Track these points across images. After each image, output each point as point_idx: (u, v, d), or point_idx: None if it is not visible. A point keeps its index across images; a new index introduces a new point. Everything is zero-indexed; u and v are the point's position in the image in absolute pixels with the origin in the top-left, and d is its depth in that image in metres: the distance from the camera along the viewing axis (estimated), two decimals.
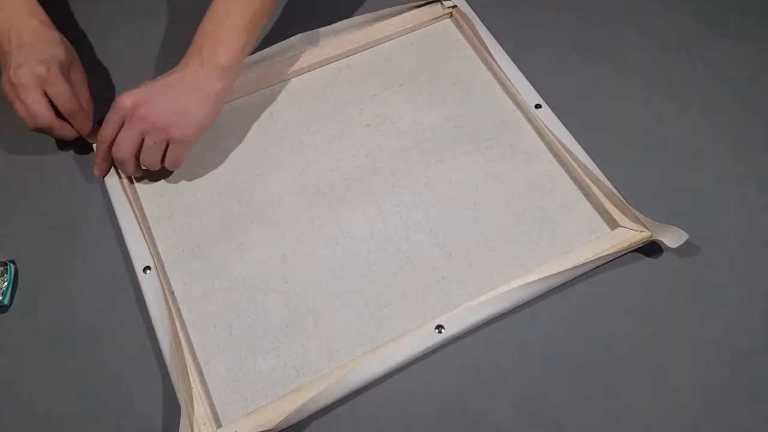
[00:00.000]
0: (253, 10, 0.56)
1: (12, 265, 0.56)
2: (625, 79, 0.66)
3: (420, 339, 0.51)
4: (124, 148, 0.56)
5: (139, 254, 0.56)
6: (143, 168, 0.59)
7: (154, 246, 0.57)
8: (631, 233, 0.54)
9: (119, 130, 0.56)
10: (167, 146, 0.56)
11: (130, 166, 0.58)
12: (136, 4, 0.75)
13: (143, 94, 0.55)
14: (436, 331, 0.51)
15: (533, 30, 0.70)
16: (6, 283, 0.55)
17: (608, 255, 0.54)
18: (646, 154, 0.61)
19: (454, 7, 0.71)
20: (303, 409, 0.48)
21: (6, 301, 0.55)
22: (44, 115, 0.56)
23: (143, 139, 0.56)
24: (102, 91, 0.67)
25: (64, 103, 0.57)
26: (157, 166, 0.58)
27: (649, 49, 0.68)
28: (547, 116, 0.62)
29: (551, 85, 0.64)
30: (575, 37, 0.70)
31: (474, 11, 0.70)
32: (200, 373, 0.51)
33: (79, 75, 0.61)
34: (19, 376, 0.52)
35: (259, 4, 0.57)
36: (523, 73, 0.65)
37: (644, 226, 0.54)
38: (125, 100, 0.55)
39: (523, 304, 0.53)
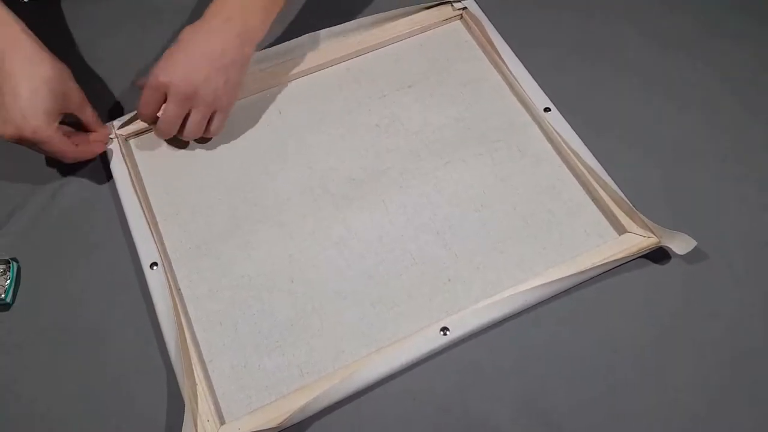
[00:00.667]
0: None
1: (15, 263, 0.56)
2: (626, 80, 0.66)
3: (425, 341, 0.51)
4: (171, 126, 0.57)
5: (147, 250, 0.56)
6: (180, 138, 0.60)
7: (162, 242, 0.57)
8: (638, 239, 0.54)
9: (159, 107, 0.57)
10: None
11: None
12: (138, 4, 0.75)
13: (184, 70, 0.55)
14: (441, 333, 0.51)
15: (537, 30, 0.70)
16: (9, 281, 0.55)
17: (616, 260, 0.54)
18: (646, 155, 0.61)
19: (465, 8, 0.71)
20: (306, 408, 0.48)
21: (9, 299, 0.55)
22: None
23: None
24: (102, 90, 0.67)
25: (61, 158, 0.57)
26: (198, 135, 0.60)
27: (649, 49, 0.68)
28: (556, 119, 0.62)
29: (555, 86, 0.64)
30: (577, 37, 0.69)
31: (483, 12, 0.70)
32: (205, 370, 0.51)
33: (75, 100, 0.57)
34: (21, 376, 0.52)
35: None
36: (531, 74, 0.65)
37: (652, 232, 0.54)
38: (164, 79, 0.54)
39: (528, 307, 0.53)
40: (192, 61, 0.55)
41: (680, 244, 0.53)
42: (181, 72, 0.55)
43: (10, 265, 0.56)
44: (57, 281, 0.56)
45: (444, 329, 0.51)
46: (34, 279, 0.57)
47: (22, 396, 0.51)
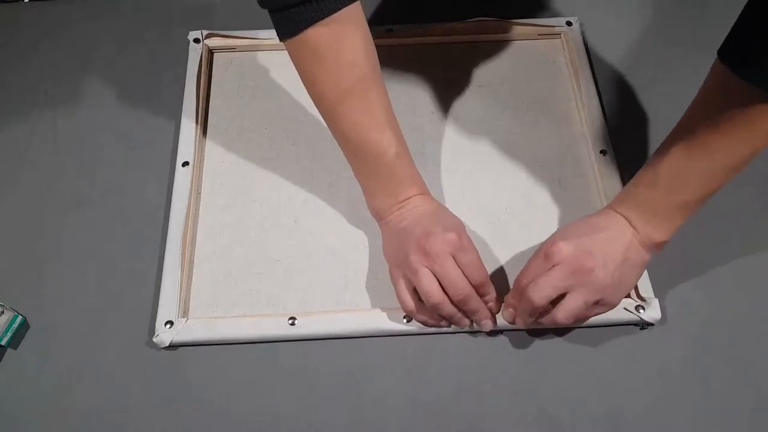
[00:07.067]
0: (710, 190, 0.47)
1: (20, 317, 0.54)
2: None
3: (384, 320, 0.53)
4: (542, 294, 0.48)
5: (185, 149, 0.61)
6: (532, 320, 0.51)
7: (201, 150, 0.62)
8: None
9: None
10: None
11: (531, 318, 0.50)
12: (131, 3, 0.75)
13: (585, 248, 0.49)
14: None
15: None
16: (7, 327, 0.53)
17: None
18: None
19: (570, 24, 0.69)
20: (245, 331, 0.52)
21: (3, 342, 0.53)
22: (465, 284, 0.49)
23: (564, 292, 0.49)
24: (103, 90, 0.71)
25: (473, 272, 0.49)
26: (562, 324, 0.50)
27: None
28: (607, 165, 0.60)
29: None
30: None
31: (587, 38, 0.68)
32: (191, 269, 0.56)
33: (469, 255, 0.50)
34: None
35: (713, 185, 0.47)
36: (603, 112, 0.63)
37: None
38: (566, 249, 0.48)
39: None
40: (593, 246, 0.49)
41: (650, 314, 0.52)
42: (581, 250, 0.48)
43: (14, 316, 0.54)
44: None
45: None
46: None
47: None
